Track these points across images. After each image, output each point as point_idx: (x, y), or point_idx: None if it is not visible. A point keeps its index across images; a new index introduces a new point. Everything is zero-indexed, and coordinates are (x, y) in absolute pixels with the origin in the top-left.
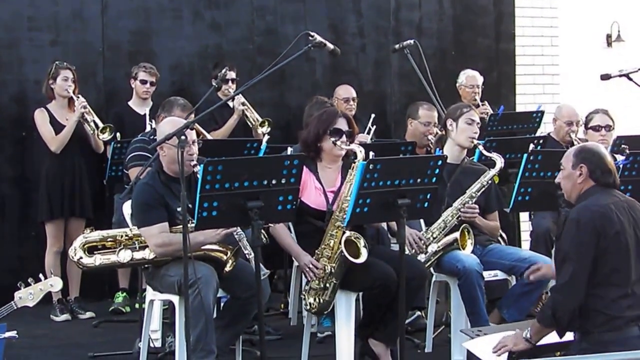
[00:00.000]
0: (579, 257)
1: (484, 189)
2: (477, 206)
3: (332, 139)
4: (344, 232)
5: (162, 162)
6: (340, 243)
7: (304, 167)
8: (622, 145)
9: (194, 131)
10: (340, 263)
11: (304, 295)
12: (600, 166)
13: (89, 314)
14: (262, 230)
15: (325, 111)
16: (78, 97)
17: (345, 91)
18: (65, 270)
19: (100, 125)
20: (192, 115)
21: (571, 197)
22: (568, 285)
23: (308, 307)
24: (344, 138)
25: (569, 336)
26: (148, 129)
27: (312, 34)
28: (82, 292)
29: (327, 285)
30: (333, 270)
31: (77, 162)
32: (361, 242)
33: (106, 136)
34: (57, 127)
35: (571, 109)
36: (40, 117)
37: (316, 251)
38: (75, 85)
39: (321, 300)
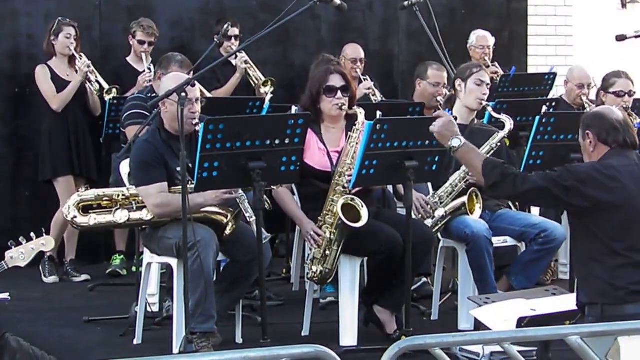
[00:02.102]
0: (564, 185)
1: (493, 151)
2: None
3: (328, 98)
4: (341, 195)
5: (164, 119)
6: (338, 209)
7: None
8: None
9: (197, 88)
10: (340, 229)
11: (308, 265)
12: (604, 127)
13: (84, 277)
14: (265, 196)
15: (317, 71)
16: (81, 57)
17: (354, 51)
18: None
19: (106, 86)
20: (192, 72)
21: None
22: (538, 180)
23: (310, 275)
24: (339, 94)
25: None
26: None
27: None
28: (77, 254)
29: (328, 252)
30: (333, 237)
31: (79, 121)
32: (358, 203)
33: (111, 97)
34: (59, 83)
35: (583, 71)
36: (42, 74)
37: (318, 218)
38: (77, 43)
39: (323, 270)
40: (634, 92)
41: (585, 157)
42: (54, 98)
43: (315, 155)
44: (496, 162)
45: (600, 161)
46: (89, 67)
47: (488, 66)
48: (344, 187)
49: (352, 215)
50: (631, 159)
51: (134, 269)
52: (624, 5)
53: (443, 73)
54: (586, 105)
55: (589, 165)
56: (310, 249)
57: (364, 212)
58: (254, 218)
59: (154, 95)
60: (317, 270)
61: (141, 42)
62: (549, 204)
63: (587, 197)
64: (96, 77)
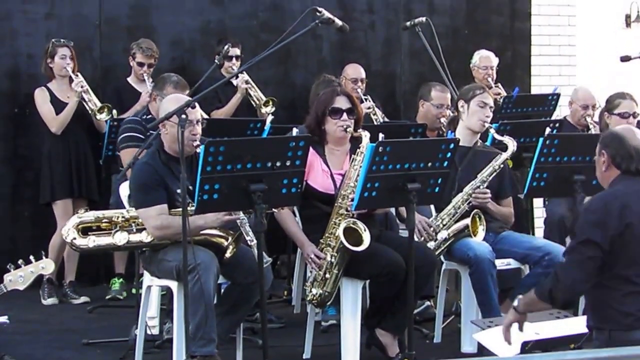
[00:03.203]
0: (585, 240)
1: (495, 173)
2: (488, 191)
3: (333, 120)
4: (344, 219)
5: (164, 141)
6: (340, 232)
7: (312, 149)
8: None
9: (198, 110)
10: (342, 253)
11: (308, 287)
12: (620, 152)
13: (83, 299)
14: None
15: (323, 92)
16: (77, 76)
17: (355, 71)
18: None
19: (98, 104)
20: (187, 92)
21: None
22: (570, 265)
23: (309, 298)
24: (344, 116)
25: (582, 328)
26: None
27: (319, 9)
28: (76, 276)
29: (327, 275)
30: (334, 260)
31: (80, 142)
32: (360, 226)
33: (104, 116)
34: (59, 106)
35: (587, 92)
36: (41, 97)
37: (320, 240)
38: (74, 62)
39: (322, 292)
40: (638, 114)
41: (597, 171)
42: (52, 120)
43: (318, 177)
44: (539, 287)
45: (611, 186)
46: (82, 87)
47: (491, 87)
48: (347, 211)
49: (354, 238)
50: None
51: (133, 291)
52: (628, 25)
53: (446, 94)
54: (591, 127)
55: (600, 201)
56: (311, 272)
57: (366, 236)
58: (255, 242)
59: (149, 117)
60: (316, 293)
61: (140, 64)
62: (596, 264)
63: (610, 230)
64: (89, 96)
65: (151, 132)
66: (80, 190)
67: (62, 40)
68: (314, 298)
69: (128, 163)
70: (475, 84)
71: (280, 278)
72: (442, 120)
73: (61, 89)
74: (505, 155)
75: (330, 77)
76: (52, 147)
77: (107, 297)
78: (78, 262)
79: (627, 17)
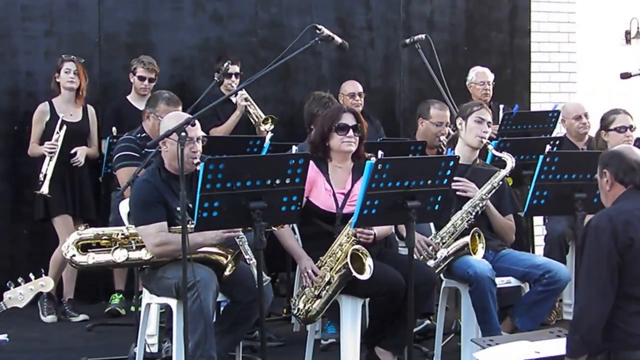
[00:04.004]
0: (600, 265)
1: (494, 190)
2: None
3: (339, 135)
4: (352, 244)
5: (164, 158)
6: (347, 256)
7: (315, 166)
8: None
9: (198, 127)
10: (342, 275)
11: (294, 299)
12: (621, 167)
13: (82, 317)
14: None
15: (330, 108)
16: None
17: (352, 86)
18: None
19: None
20: (180, 109)
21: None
22: (590, 301)
23: (296, 312)
24: (350, 133)
25: None
26: None
27: (319, 27)
28: (76, 293)
29: (321, 294)
30: (332, 280)
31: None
32: (367, 260)
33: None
34: (53, 123)
35: (575, 104)
36: (37, 115)
37: (320, 258)
38: (80, 79)
39: (310, 309)
40: (635, 127)
41: (602, 195)
42: (32, 144)
43: (321, 195)
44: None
45: (615, 204)
46: (52, 151)
47: (489, 103)
48: (355, 236)
49: (356, 265)
50: None
51: (132, 308)
52: (628, 41)
53: (446, 112)
54: (588, 137)
55: (605, 217)
56: (303, 286)
57: (369, 263)
58: (254, 261)
59: (143, 135)
60: (302, 308)
61: (142, 78)
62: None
63: (619, 243)
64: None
65: (147, 150)
66: (75, 209)
67: (72, 56)
68: (300, 313)
69: (128, 180)
70: (473, 102)
71: (280, 296)
72: (442, 138)
73: (65, 105)
74: (504, 172)
75: (320, 93)
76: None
77: (106, 310)
78: (78, 279)
79: (627, 33)
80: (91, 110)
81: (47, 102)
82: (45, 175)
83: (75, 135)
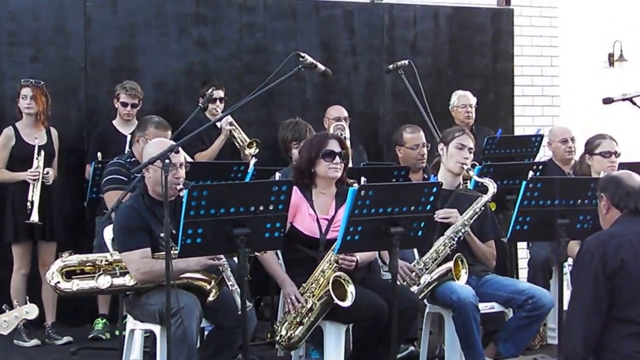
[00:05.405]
0: (586, 287)
1: (477, 215)
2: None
3: (326, 162)
4: (334, 271)
5: (148, 185)
6: (329, 283)
7: (299, 192)
8: None
9: (181, 154)
10: (324, 302)
11: (277, 325)
12: (618, 192)
13: (66, 339)
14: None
15: (315, 135)
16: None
17: (337, 111)
18: (34, 294)
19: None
20: (169, 133)
21: None
22: (577, 318)
23: (278, 339)
24: (337, 159)
25: None
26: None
27: (302, 54)
28: (59, 317)
29: (304, 321)
30: (314, 307)
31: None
32: (349, 287)
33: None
34: (21, 147)
35: (562, 127)
36: (2, 139)
37: (303, 284)
38: (38, 103)
39: (292, 335)
40: (620, 153)
41: (600, 217)
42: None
43: (305, 221)
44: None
45: (610, 227)
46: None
47: (472, 127)
48: (337, 262)
49: (338, 291)
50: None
51: (117, 332)
52: (611, 64)
53: (419, 133)
54: (574, 161)
55: (596, 240)
56: (286, 312)
57: (351, 290)
58: (237, 287)
59: (132, 159)
60: (285, 335)
61: (124, 104)
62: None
63: (607, 268)
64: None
65: (135, 175)
66: (41, 234)
67: (30, 80)
68: (282, 339)
69: (112, 206)
70: (455, 127)
71: (264, 320)
72: (424, 156)
73: (27, 130)
74: (485, 198)
75: (295, 120)
76: (15, 189)
77: (90, 336)
78: (62, 303)
79: (610, 56)
80: (54, 132)
81: (11, 127)
82: (32, 203)
83: (46, 160)
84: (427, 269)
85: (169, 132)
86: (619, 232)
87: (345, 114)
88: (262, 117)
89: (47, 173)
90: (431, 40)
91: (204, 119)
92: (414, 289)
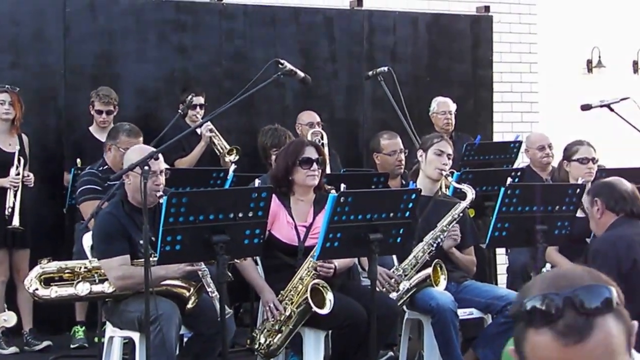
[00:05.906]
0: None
1: (455, 222)
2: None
3: (303, 169)
4: (312, 278)
5: (127, 191)
6: (307, 290)
7: (277, 199)
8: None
9: (161, 160)
10: (302, 309)
11: (256, 334)
12: (613, 196)
13: (45, 343)
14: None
15: (292, 142)
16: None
17: (309, 116)
18: (10, 301)
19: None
20: (141, 140)
21: (598, 235)
22: None
23: (257, 346)
24: (314, 166)
25: None
26: None
27: (281, 61)
28: (37, 324)
29: (282, 328)
30: (293, 315)
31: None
32: (328, 294)
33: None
34: None
35: (539, 134)
36: None
37: (281, 292)
38: (15, 108)
39: (271, 343)
40: (597, 159)
41: (592, 223)
42: None
43: (283, 228)
44: None
45: (611, 230)
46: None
47: (452, 133)
48: (315, 270)
49: (317, 298)
50: (638, 227)
51: (95, 339)
52: (589, 70)
53: (396, 139)
54: (552, 167)
55: (606, 242)
56: (265, 320)
57: (329, 297)
58: (216, 294)
59: (105, 167)
60: (264, 342)
61: (99, 112)
62: None
63: (622, 268)
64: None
65: (109, 183)
66: (13, 241)
67: (6, 86)
68: (261, 347)
69: (91, 213)
70: (434, 134)
71: (244, 326)
72: (402, 161)
73: (1, 134)
74: (464, 204)
75: (274, 127)
76: None
77: (73, 347)
78: (39, 310)
79: (589, 62)
80: (25, 139)
81: None
82: (12, 208)
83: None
84: (406, 276)
85: (141, 139)
86: (626, 232)
87: (318, 118)
88: (242, 124)
89: (28, 176)
90: (410, 47)
91: (184, 125)
92: (393, 295)
